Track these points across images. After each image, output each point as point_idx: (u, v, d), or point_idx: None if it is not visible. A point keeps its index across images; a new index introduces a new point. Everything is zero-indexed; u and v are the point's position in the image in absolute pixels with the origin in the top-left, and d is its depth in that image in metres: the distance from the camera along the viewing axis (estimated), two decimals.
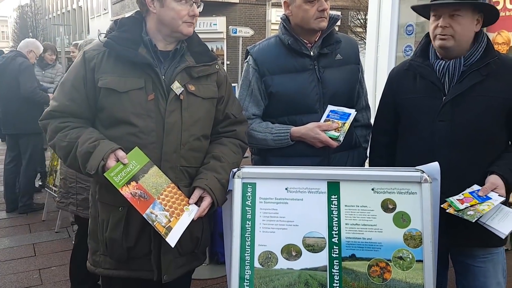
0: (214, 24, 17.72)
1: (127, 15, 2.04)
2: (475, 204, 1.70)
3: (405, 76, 2.03)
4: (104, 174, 1.58)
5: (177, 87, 1.73)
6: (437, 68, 1.90)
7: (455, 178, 1.79)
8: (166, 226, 1.61)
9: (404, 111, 2.02)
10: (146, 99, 1.70)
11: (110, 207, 1.75)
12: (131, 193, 1.58)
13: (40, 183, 5.88)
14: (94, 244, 1.83)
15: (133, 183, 1.60)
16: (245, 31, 14.48)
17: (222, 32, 17.78)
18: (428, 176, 1.63)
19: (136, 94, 1.70)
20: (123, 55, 1.70)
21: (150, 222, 1.59)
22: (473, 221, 1.65)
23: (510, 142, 1.91)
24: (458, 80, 1.86)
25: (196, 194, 1.72)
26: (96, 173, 1.60)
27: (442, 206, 1.73)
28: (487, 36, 1.91)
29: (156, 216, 1.60)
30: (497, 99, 1.82)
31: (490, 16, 1.89)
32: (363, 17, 16.48)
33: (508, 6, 6.49)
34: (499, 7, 6.78)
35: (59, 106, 1.74)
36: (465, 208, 1.70)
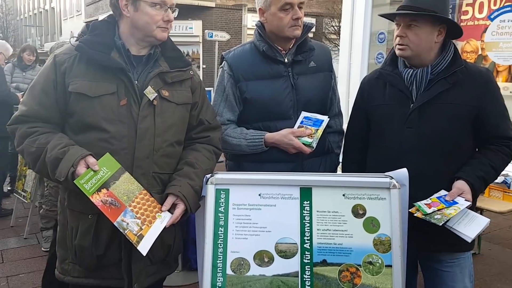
0: (190, 28, 17.63)
1: (101, 17, 2.02)
2: (442, 208, 1.74)
3: (375, 84, 2.08)
4: (74, 181, 1.55)
5: (150, 92, 1.72)
6: (405, 76, 1.95)
7: (423, 183, 1.83)
8: (138, 234, 1.59)
9: (374, 118, 2.07)
10: (118, 104, 1.68)
11: (79, 215, 1.71)
12: (101, 200, 1.56)
13: (9, 188, 5.71)
14: (63, 252, 1.79)
15: (104, 191, 1.57)
16: (221, 36, 14.46)
17: (198, 36, 17.71)
18: (396, 182, 1.66)
19: (108, 99, 1.67)
20: (94, 59, 1.67)
21: (121, 230, 1.57)
22: (440, 224, 1.69)
23: (476, 149, 1.97)
24: (425, 88, 1.91)
25: (169, 201, 1.70)
26: (65, 180, 1.57)
27: (410, 210, 1.77)
28: (455, 46, 1.98)
29: (128, 224, 1.58)
30: (463, 107, 1.88)
31: (454, 27, 1.95)
32: (337, 24, 16.73)
33: (477, 15, 6.71)
34: (467, 17, 7.03)
35: (28, 111, 1.69)
36: (433, 212, 1.74)
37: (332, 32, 18.03)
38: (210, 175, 1.75)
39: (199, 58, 18.09)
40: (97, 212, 1.60)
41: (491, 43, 6.11)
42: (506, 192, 5.54)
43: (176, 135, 1.80)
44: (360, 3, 8.01)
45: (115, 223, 1.57)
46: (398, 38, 1.91)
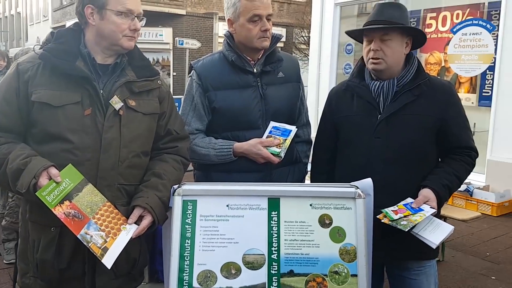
0: (160, 35, 17.49)
1: (68, 23, 1.98)
2: (408, 215, 1.78)
3: (343, 96, 2.12)
4: (36, 193, 1.50)
5: (116, 102, 1.69)
6: (373, 88, 2.00)
7: (390, 192, 1.87)
8: (102, 247, 1.55)
9: (343, 128, 2.10)
10: (82, 114, 1.64)
11: (41, 227, 1.66)
12: (64, 213, 1.52)
13: None
14: (24, 265, 1.73)
15: (67, 203, 1.53)
16: (192, 43, 14.43)
17: (168, 43, 17.59)
18: (361, 191, 1.69)
19: (72, 109, 1.63)
20: (59, 68, 1.63)
21: (84, 243, 1.53)
22: (406, 230, 1.73)
23: (439, 159, 2.04)
24: (392, 99, 1.97)
25: (136, 213, 1.67)
26: (27, 192, 1.52)
27: (377, 217, 1.81)
28: (418, 59, 2.05)
29: (91, 236, 1.54)
30: (428, 118, 1.94)
31: (419, 38, 2.02)
32: (306, 35, 16.98)
33: (440, 28, 6.97)
34: (431, 30, 7.30)
35: None
36: (399, 218, 1.78)
37: (302, 42, 18.29)
38: (177, 186, 1.73)
39: (170, 66, 17.96)
40: (60, 225, 1.56)
41: (453, 55, 6.36)
42: (468, 200, 5.74)
43: (142, 146, 1.77)
44: (329, 15, 8.22)
45: (78, 236, 1.53)
46: (372, 52, 1.94)
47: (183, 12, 17.96)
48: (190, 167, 2.17)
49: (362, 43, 2.05)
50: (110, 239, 1.58)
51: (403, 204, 1.86)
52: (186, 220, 1.68)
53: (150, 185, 1.73)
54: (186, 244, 1.66)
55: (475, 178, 5.95)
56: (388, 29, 1.92)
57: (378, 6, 1.98)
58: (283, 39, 18.98)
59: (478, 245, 4.55)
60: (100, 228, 1.57)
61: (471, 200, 5.69)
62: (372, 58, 1.95)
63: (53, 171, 1.54)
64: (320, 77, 8.43)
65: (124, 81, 1.73)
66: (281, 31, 18.84)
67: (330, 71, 8.27)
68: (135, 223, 1.66)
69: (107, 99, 1.69)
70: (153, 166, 1.80)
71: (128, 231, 1.63)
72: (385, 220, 1.80)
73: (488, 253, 4.33)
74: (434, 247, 1.77)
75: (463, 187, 5.70)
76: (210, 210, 1.70)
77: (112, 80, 1.73)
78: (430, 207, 1.82)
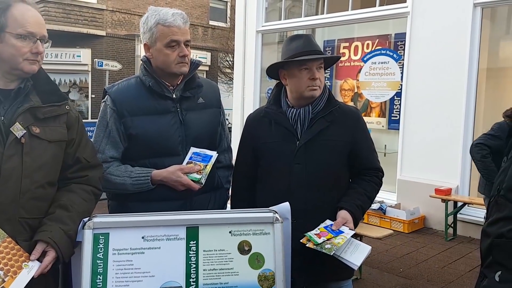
0: (77, 56, 16.74)
1: None
2: (330, 238, 1.83)
3: (262, 122, 2.15)
4: None
5: (18, 129, 1.56)
6: (290, 115, 2.07)
7: (311, 216, 1.93)
8: (0, 287, 1.41)
9: (263, 155, 2.13)
10: None
11: None
12: None
13: None
14: None
15: None
16: (112, 65, 13.97)
17: (86, 64, 16.87)
18: (279, 216, 1.71)
19: None
20: None
21: None
22: (331, 253, 1.77)
23: (350, 180, 2.14)
24: (308, 126, 2.04)
25: (39, 248, 1.54)
26: None
27: (301, 241, 1.83)
28: (328, 87, 2.16)
29: None
30: (340, 142, 2.04)
31: (327, 63, 2.16)
32: (231, 59, 17.28)
33: (353, 57, 7.45)
34: (344, 58, 7.76)
35: None
36: (323, 242, 1.82)
37: (227, 66, 18.52)
38: (87, 218, 1.63)
39: (88, 87, 17.22)
40: None
41: (365, 82, 6.81)
42: (382, 217, 6.07)
43: (48, 176, 1.65)
44: (251, 41, 8.44)
45: None
46: (312, 81, 2.00)
47: (102, 33, 17.39)
48: (104, 195, 2.06)
49: (277, 79, 2.13)
50: (9, 278, 1.44)
51: (324, 227, 1.90)
52: (98, 255, 1.58)
53: (55, 218, 1.60)
54: (98, 281, 1.55)
55: (387, 197, 6.35)
56: (322, 58, 2.05)
57: (305, 37, 2.08)
58: (208, 62, 19.11)
59: (393, 261, 4.82)
60: None
61: (384, 218, 6.03)
62: (313, 86, 2.01)
63: None
64: (244, 101, 8.57)
65: (28, 106, 1.61)
66: (206, 55, 18.97)
67: (254, 94, 8.46)
68: (38, 259, 1.53)
69: (8, 126, 1.55)
70: (59, 197, 1.68)
71: (30, 269, 1.50)
72: (309, 244, 1.83)
73: (401, 269, 4.59)
74: (356, 268, 1.84)
75: (376, 205, 6.04)
76: (123, 243, 1.61)
77: (14, 106, 1.60)
78: (349, 229, 1.89)
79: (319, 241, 1.82)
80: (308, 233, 1.87)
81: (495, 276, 1.23)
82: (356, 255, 1.83)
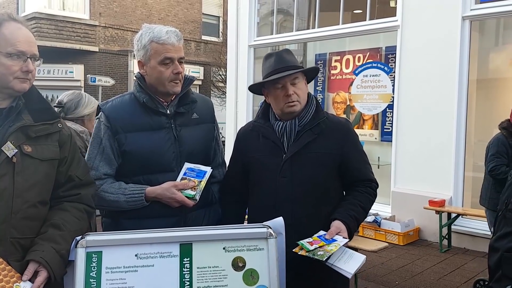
0: (70, 72, 16.72)
1: None
2: (323, 245, 1.82)
3: (250, 136, 2.16)
4: None
5: (9, 149, 1.55)
6: (276, 128, 2.07)
7: (299, 230, 1.91)
8: None
9: (251, 168, 2.13)
10: None
11: None
12: None
13: None
14: None
15: None
16: (105, 80, 13.97)
17: (79, 80, 16.84)
18: (273, 231, 1.70)
19: None
20: None
21: None
22: (324, 260, 1.75)
23: (344, 192, 2.14)
24: (295, 139, 2.04)
25: (31, 268, 1.52)
26: None
27: (294, 250, 1.82)
28: (316, 99, 2.17)
29: None
30: (328, 155, 2.03)
31: (310, 74, 2.17)
32: (224, 73, 17.36)
33: (344, 70, 7.51)
34: (336, 71, 7.82)
35: None
36: (315, 248, 1.81)
37: (220, 80, 18.59)
38: (80, 237, 1.61)
39: None
40: None
41: (357, 95, 6.85)
42: (377, 230, 6.07)
43: (40, 195, 1.63)
44: (243, 55, 8.50)
45: None
46: (287, 97, 2.00)
47: (95, 49, 17.40)
48: (98, 212, 2.04)
49: (261, 94, 2.16)
50: None
51: (317, 236, 1.90)
52: (90, 274, 1.56)
53: (47, 238, 1.59)
54: None
55: (382, 209, 6.35)
56: (297, 72, 2.03)
57: (276, 55, 2.08)
58: (201, 77, 19.16)
59: (388, 274, 4.80)
60: None
61: (379, 231, 6.02)
62: (290, 102, 2.01)
63: None
64: (237, 115, 8.59)
65: (20, 125, 1.60)
66: (198, 69, 19.02)
67: (247, 108, 8.49)
68: (30, 280, 1.51)
69: None
70: (51, 216, 1.66)
71: None
72: (302, 252, 1.82)
73: (397, 282, 4.57)
74: (349, 276, 1.82)
75: (371, 218, 6.04)
76: (117, 261, 1.59)
77: (6, 125, 1.60)
78: (343, 237, 1.89)
79: (311, 248, 1.81)
80: (301, 241, 1.86)
81: None
82: (349, 264, 1.82)
